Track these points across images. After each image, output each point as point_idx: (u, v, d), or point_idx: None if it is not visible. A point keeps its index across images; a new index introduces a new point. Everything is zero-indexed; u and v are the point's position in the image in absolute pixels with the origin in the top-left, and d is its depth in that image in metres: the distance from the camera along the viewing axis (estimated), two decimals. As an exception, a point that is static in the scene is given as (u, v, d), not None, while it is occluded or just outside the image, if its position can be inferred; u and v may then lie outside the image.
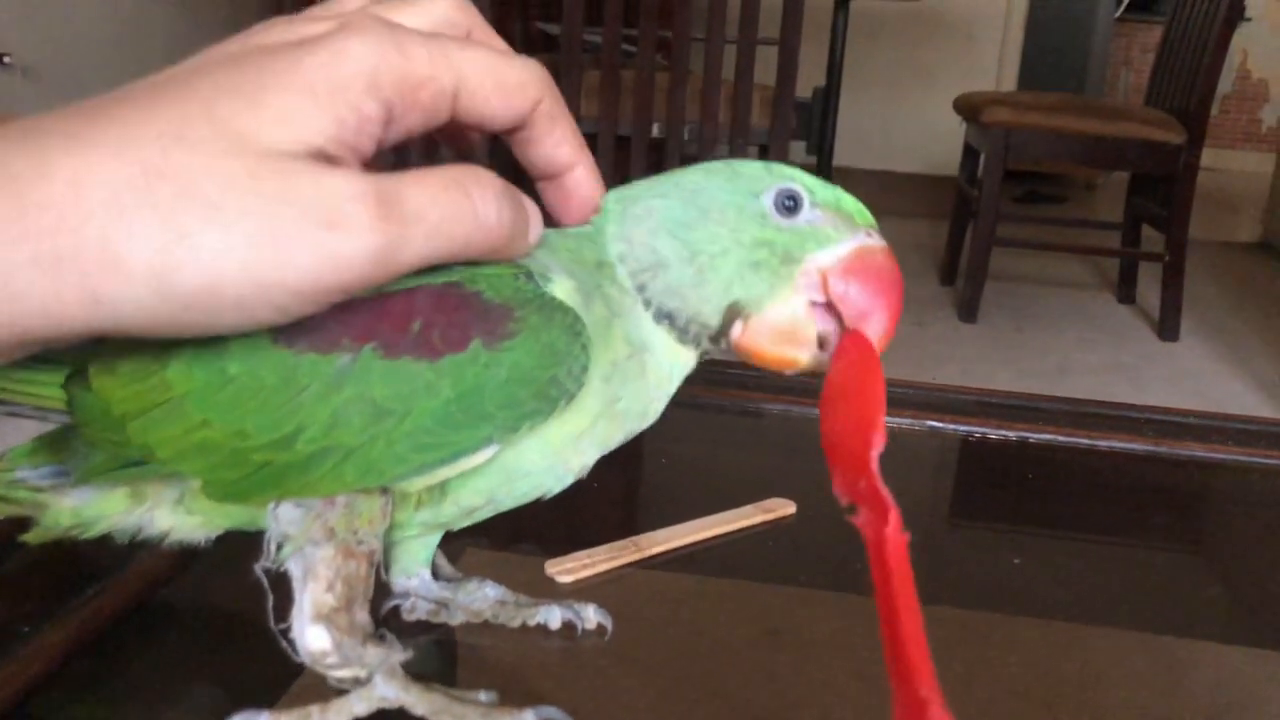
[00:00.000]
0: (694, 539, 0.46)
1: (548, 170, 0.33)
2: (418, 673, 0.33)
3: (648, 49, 2.26)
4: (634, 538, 0.45)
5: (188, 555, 0.37)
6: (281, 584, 0.32)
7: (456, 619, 0.39)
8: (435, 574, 0.39)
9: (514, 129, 0.31)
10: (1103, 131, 2.70)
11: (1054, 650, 0.40)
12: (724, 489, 0.51)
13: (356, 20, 0.27)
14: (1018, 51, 4.94)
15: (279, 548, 0.31)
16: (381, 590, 0.35)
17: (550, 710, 0.33)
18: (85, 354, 0.32)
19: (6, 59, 2.51)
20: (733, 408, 0.63)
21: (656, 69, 2.32)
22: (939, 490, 0.60)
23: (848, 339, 0.32)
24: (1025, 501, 0.56)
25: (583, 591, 0.42)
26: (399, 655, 0.32)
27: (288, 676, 0.34)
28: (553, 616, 0.39)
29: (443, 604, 0.39)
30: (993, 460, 0.60)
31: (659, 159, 2.36)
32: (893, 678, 0.24)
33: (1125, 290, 3.17)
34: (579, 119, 2.37)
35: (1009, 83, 4.90)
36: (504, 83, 0.29)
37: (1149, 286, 3.04)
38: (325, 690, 0.33)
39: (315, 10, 0.30)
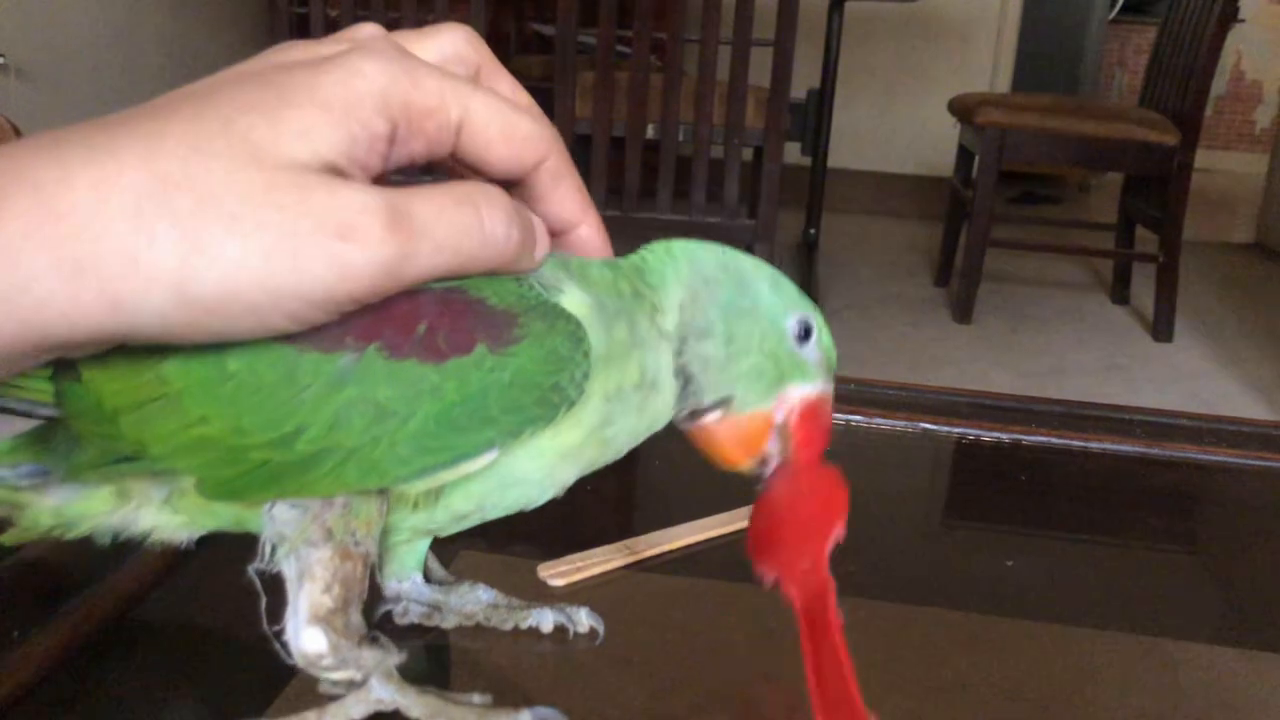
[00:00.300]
0: (687, 542, 0.46)
1: (553, 226, 0.33)
2: (411, 676, 0.33)
3: (642, 50, 2.26)
4: (627, 541, 0.45)
5: (176, 560, 0.37)
6: (272, 586, 0.32)
7: (449, 622, 0.39)
8: (427, 577, 0.39)
9: (515, 181, 0.32)
10: (1097, 133, 2.70)
11: (1047, 652, 0.40)
12: (717, 492, 0.51)
13: (371, 44, 0.28)
14: (1012, 53, 4.96)
15: (274, 549, 0.31)
16: (373, 593, 0.35)
17: (546, 710, 0.33)
18: None
19: (0, 60, 2.51)
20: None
21: (651, 70, 2.32)
22: (933, 492, 0.60)
23: (802, 454, 0.36)
24: (1019, 503, 0.56)
25: (575, 594, 0.42)
26: (394, 657, 0.32)
27: (279, 680, 0.34)
28: (545, 620, 0.39)
29: (435, 607, 0.39)
30: (986, 462, 0.60)
31: (653, 160, 2.36)
32: None
33: (1119, 291, 3.18)
34: (574, 120, 2.38)
35: (1003, 84, 4.91)
36: (511, 132, 0.30)
37: (1143, 287, 3.05)
38: (318, 695, 0.33)
39: (331, 35, 0.31)
